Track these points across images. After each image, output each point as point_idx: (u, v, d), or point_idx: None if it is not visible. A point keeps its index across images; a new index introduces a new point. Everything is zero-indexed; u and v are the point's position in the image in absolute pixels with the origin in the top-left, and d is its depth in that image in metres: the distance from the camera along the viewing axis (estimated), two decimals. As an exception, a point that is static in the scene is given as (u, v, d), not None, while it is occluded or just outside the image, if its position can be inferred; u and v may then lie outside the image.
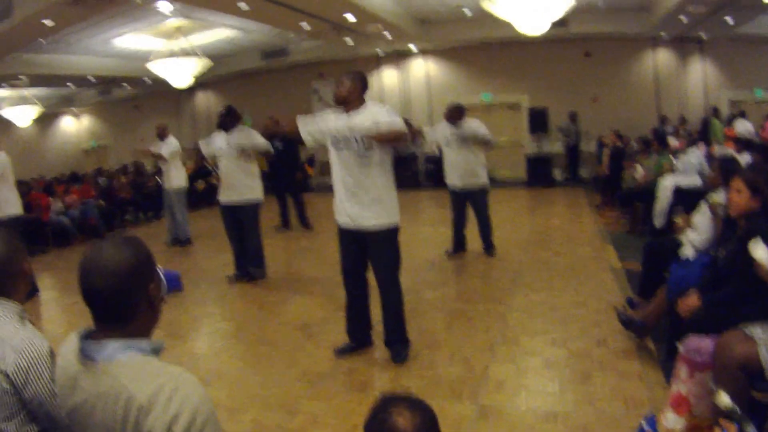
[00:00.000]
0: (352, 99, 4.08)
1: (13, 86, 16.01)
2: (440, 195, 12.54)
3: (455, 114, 7.15)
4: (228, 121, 6.73)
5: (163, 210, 10.45)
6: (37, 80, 15.60)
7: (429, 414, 1.47)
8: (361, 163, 4.04)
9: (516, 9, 9.10)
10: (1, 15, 9.55)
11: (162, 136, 9.46)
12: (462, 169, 7.11)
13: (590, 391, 3.57)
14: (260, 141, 6.71)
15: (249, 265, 6.89)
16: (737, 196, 3.31)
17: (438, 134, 7.34)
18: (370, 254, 4.21)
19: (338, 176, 4.17)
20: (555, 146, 15.55)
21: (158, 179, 9.90)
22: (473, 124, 7.13)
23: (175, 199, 9.43)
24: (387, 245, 4.17)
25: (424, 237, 8.85)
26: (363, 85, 4.14)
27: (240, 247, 6.89)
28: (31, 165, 18.91)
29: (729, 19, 12.53)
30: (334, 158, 4.18)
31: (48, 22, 9.67)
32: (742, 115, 12.78)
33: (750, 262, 2.95)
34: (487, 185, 7.31)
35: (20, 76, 14.45)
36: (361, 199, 4.07)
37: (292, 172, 10.17)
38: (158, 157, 9.42)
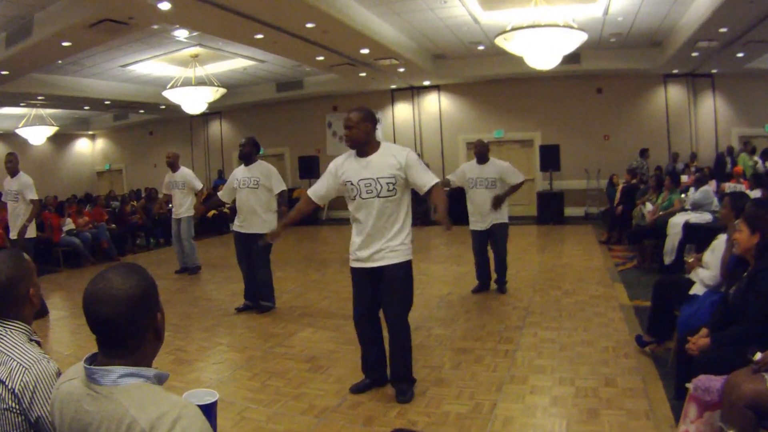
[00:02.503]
0: (368, 140, 4.06)
1: (30, 105, 16.27)
2: (452, 232, 12.56)
3: (485, 153, 7.12)
4: (248, 152, 6.74)
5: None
6: (53, 101, 15.85)
7: None
8: (385, 206, 4.02)
9: (528, 44, 9.21)
10: (22, 34, 9.75)
11: (174, 166, 9.49)
12: (487, 209, 7.04)
13: (598, 430, 3.53)
14: (277, 184, 6.70)
15: (258, 297, 6.90)
16: (738, 235, 3.35)
17: (464, 177, 7.24)
18: (383, 291, 4.14)
19: (360, 220, 4.12)
20: (566, 183, 15.60)
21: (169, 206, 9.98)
22: (504, 166, 7.08)
23: (184, 228, 9.46)
24: (402, 280, 4.11)
25: (435, 274, 8.84)
26: (374, 125, 4.11)
27: (250, 276, 6.91)
28: (45, 185, 19.08)
29: (740, 55, 12.61)
30: (355, 204, 4.12)
31: (66, 44, 9.86)
32: (753, 151, 12.79)
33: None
34: (508, 223, 7.26)
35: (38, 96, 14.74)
36: (380, 238, 4.04)
37: None
38: (200, 195, 9.59)
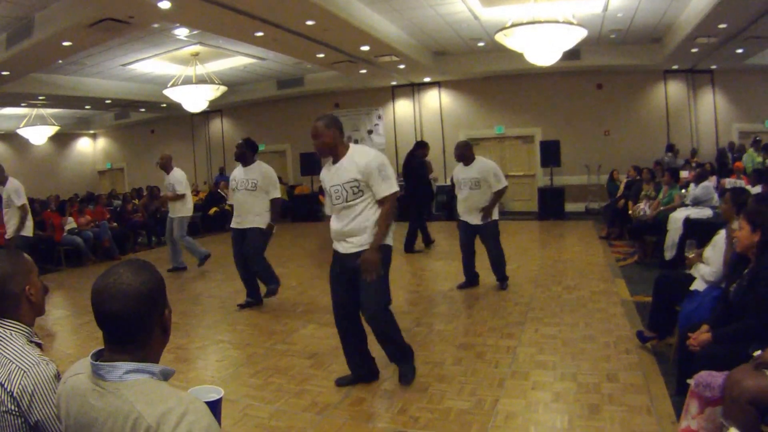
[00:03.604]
0: (337, 144, 4.09)
1: (31, 105, 16.28)
2: (452, 227, 12.53)
3: (467, 153, 7.02)
4: (245, 153, 6.71)
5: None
6: (54, 101, 15.86)
7: None
8: (350, 209, 4.09)
9: (528, 40, 9.21)
10: (22, 34, 9.75)
11: (167, 168, 9.42)
12: (473, 208, 7.00)
13: (599, 425, 3.54)
14: (272, 190, 6.70)
15: (259, 294, 6.91)
16: (739, 232, 3.35)
17: (454, 179, 7.23)
18: (357, 280, 4.17)
19: (333, 218, 4.29)
20: (567, 178, 15.60)
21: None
22: (487, 168, 6.93)
23: (176, 227, 9.38)
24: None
25: (436, 269, 8.85)
26: (340, 128, 4.14)
27: (246, 272, 6.89)
28: (46, 184, 19.15)
29: (740, 51, 12.61)
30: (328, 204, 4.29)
31: (67, 43, 9.86)
32: (757, 147, 12.78)
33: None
34: (497, 220, 7.15)
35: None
36: (348, 233, 4.15)
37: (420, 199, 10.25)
38: (177, 199, 9.34)
